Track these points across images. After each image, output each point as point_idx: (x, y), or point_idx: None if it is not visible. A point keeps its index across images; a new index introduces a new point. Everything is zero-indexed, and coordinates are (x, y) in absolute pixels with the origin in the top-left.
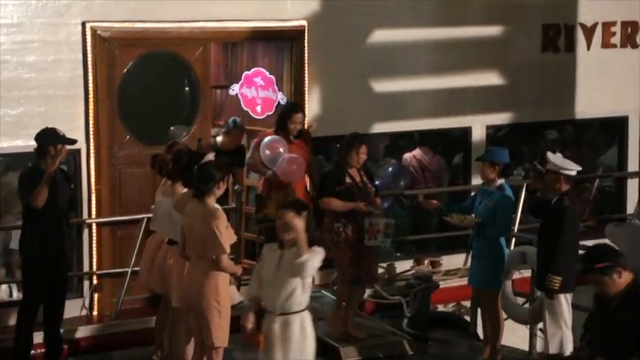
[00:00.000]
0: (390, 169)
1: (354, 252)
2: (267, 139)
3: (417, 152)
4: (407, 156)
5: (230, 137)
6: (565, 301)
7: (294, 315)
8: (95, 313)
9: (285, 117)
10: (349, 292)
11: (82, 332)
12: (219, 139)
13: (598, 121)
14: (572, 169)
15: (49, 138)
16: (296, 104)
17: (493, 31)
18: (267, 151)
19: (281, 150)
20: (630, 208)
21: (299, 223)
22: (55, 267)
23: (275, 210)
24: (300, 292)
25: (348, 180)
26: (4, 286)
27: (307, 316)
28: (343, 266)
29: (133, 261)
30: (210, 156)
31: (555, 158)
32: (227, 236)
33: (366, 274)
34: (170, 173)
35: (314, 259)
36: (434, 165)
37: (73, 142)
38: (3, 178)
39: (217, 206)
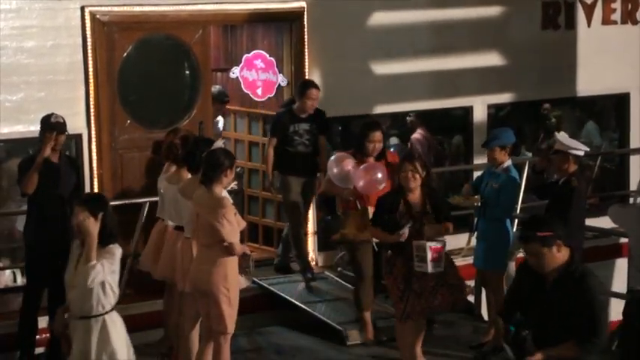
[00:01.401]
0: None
1: (406, 284)
2: (332, 157)
3: (421, 132)
4: (414, 137)
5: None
6: None
7: (94, 319)
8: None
9: (362, 137)
10: (407, 328)
11: None
12: None
13: (599, 98)
14: (581, 149)
15: (41, 125)
16: (375, 122)
17: (493, 10)
18: (335, 169)
19: (349, 167)
20: (633, 184)
21: (91, 224)
22: (57, 253)
23: (354, 229)
24: (101, 294)
25: (402, 207)
26: (8, 272)
27: (112, 319)
28: (394, 301)
29: (134, 245)
30: (220, 143)
31: (564, 138)
32: (236, 224)
33: (417, 308)
34: (178, 159)
35: (102, 266)
36: (434, 144)
37: (59, 128)
38: (4, 164)
39: (225, 194)
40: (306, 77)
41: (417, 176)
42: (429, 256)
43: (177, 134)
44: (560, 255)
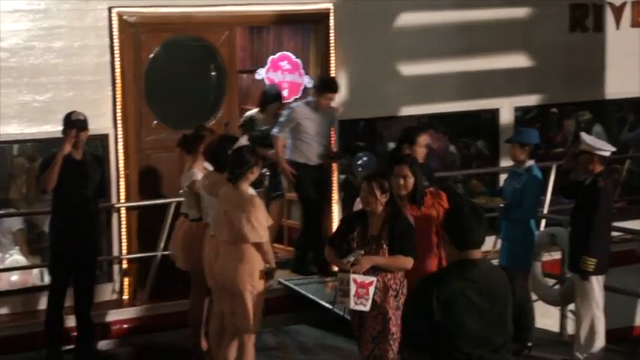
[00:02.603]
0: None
1: (360, 324)
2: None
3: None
4: None
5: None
6: (597, 282)
7: None
8: (125, 296)
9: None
10: None
11: (113, 316)
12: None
13: (628, 102)
14: (606, 149)
15: (63, 123)
16: (402, 156)
17: (520, 12)
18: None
19: None
20: None
21: None
22: (80, 251)
23: None
24: None
25: (357, 231)
26: (36, 271)
27: None
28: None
29: (162, 245)
30: (244, 140)
31: (589, 139)
32: (266, 223)
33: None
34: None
35: None
36: (440, 145)
37: (79, 125)
38: (33, 163)
39: (253, 192)
40: None
41: (377, 198)
42: (352, 290)
43: (204, 130)
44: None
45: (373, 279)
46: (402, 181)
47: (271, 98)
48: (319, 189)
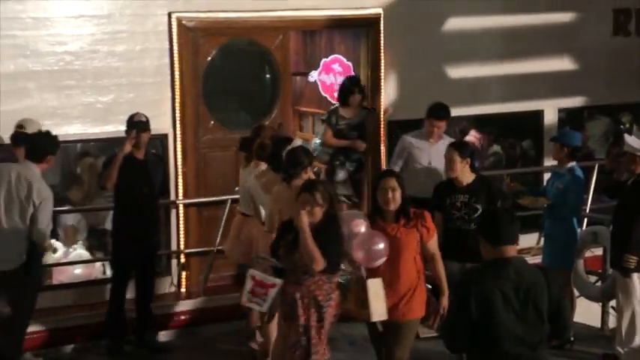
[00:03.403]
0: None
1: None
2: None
3: (474, 134)
4: (468, 138)
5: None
6: (638, 279)
7: None
8: (183, 290)
9: (374, 187)
10: None
11: (171, 308)
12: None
13: None
14: None
15: (126, 124)
16: (388, 170)
17: (565, 16)
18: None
19: (360, 229)
20: None
21: None
22: (141, 247)
23: (354, 305)
24: None
25: (290, 238)
26: (99, 264)
27: None
28: None
29: (218, 240)
30: (298, 142)
31: (632, 140)
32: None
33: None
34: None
35: None
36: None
37: (140, 126)
38: (95, 161)
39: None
40: (382, 81)
41: (315, 208)
42: (248, 286)
43: (263, 130)
44: None
45: (275, 281)
46: (390, 195)
47: (347, 90)
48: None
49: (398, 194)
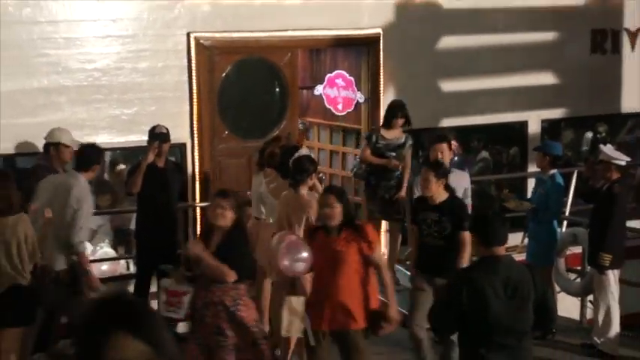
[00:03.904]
0: None
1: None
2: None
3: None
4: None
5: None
6: (613, 276)
7: None
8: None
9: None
10: None
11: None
12: None
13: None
14: (622, 159)
15: (148, 135)
16: (330, 186)
17: (547, 35)
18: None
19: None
20: None
21: None
22: (162, 246)
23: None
24: None
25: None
26: (123, 261)
27: None
28: None
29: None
30: (304, 150)
31: (607, 149)
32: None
33: None
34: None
35: None
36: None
37: (161, 138)
38: (122, 170)
39: (312, 196)
40: (381, 95)
41: (227, 214)
42: (163, 298)
43: (278, 143)
44: None
45: (187, 289)
46: (328, 211)
47: (391, 113)
48: None
49: (337, 210)
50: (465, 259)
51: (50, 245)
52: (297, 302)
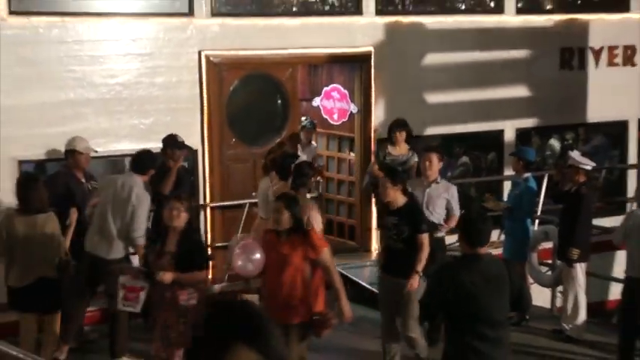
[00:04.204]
0: None
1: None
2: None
3: None
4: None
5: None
6: (580, 269)
7: None
8: (210, 276)
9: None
10: None
11: None
12: None
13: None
14: (589, 164)
15: (169, 143)
16: (282, 194)
17: (522, 53)
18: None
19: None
20: (630, 192)
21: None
22: None
23: None
24: None
25: (158, 247)
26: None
27: None
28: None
29: (238, 236)
30: (304, 157)
31: (575, 155)
32: (319, 219)
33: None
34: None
35: None
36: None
37: (184, 147)
38: None
39: (310, 197)
40: (372, 106)
41: (182, 215)
42: (121, 293)
43: (283, 147)
44: None
45: (144, 285)
46: (277, 216)
47: (390, 130)
48: None
49: (285, 216)
50: (423, 261)
51: (107, 236)
52: (251, 300)
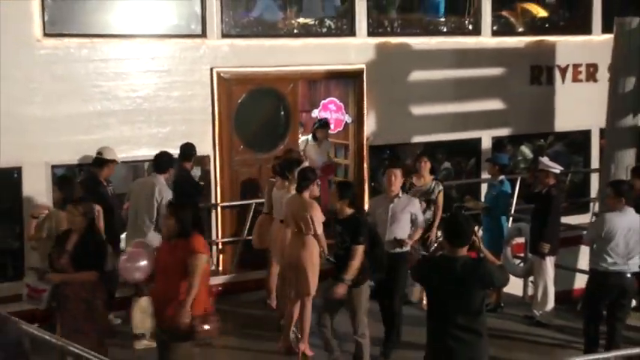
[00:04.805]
0: None
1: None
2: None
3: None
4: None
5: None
6: (550, 262)
7: None
8: (220, 268)
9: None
10: None
11: (211, 282)
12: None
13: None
14: (557, 168)
15: (192, 151)
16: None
17: (496, 70)
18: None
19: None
20: (593, 193)
21: None
22: None
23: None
24: None
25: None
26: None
27: None
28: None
29: (245, 233)
30: (306, 163)
31: (545, 160)
32: (321, 219)
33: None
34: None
35: None
36: None
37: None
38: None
39: (312, 199)
40: (365, 117)
41: (77, 219)
42: (25, 292)
43: (291, 153)
44: None
45: (45, 287)
46: (163, 221)
47: (419, 157)
48: None
49: (170, 222)
50: (351, 270)
51: (139, 232)
52: (147, 302)
